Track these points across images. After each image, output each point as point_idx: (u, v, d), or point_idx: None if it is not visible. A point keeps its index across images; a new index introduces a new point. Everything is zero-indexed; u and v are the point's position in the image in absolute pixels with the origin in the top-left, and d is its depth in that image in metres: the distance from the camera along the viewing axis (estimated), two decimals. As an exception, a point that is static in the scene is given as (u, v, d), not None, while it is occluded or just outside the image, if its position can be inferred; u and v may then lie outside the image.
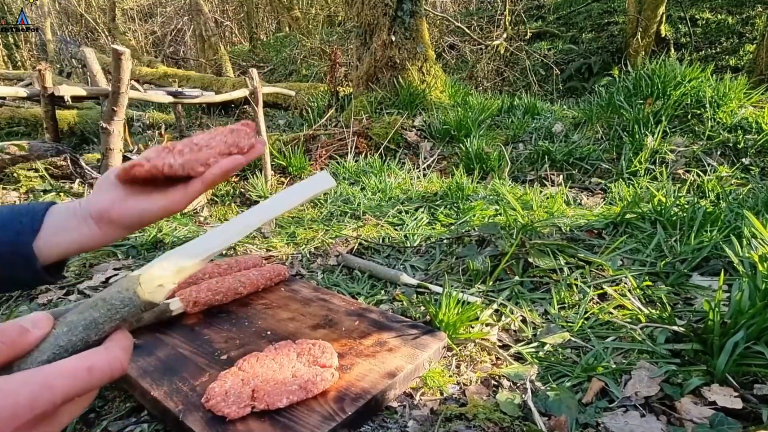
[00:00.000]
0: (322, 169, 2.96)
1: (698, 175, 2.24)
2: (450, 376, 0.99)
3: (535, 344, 1.09)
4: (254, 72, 2.82)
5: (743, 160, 2.32)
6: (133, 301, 0.41)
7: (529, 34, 7.28)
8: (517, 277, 1.38)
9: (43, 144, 2.72)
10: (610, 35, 7.31)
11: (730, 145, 2.42)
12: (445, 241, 1.71)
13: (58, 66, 9.29)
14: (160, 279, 0.42)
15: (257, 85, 2.80)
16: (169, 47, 11.79)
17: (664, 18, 6.53)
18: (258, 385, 0.82)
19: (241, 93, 3.30)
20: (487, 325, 1.19)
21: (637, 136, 2.55)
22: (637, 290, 1.25)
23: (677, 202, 1.68)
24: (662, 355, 0.98)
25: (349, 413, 0.80)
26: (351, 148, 3.12)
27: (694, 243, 1.41)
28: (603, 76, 6.07)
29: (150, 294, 0.41)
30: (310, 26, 10.20)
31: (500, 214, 1.93)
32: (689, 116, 2.64)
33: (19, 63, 11.57)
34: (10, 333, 0.36)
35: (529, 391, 0.91)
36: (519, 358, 1.06)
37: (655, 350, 0.99)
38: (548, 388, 0.92)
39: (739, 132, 2.45)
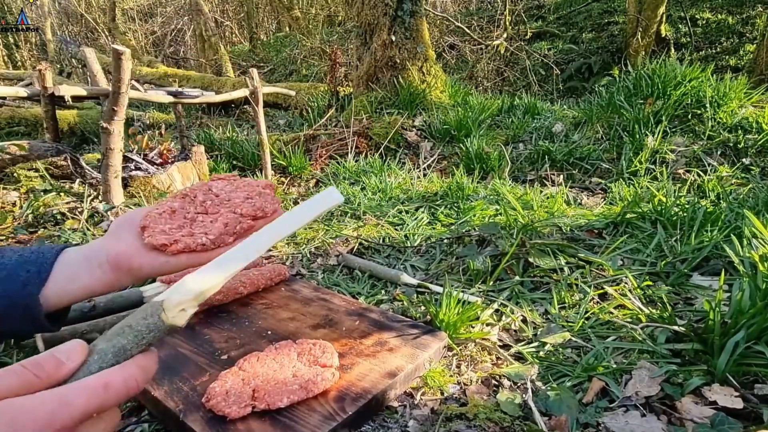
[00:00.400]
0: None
1: (698, 175, 2.24)
2: (450, 376, 0.99)
3: (536, 344, 1.09)
4: (254, 72, 2.82)
5: (743, 159, 2.32)
6: (158, 327, 0.43)
7: (529, 34, 7.28)
8: (517, 277, 1.38)
9: (43, 144, 2.72)
10: (611, 35, 7.31)
11: (731, 145, 2.42)
12: (445, 240, 1.71)
13: (59, 66, 9.29)
14: (182, 304, 0.44)
15: (257, 85, 2.80)
16: (169, 47, 11.79)
17: (664, 18, 6.53)
18: (258, 385, 0.82)
19: (241, 93, 3.30)
20: (487, 324, 1.19)
21: (638, 136, 2.55)
22: (638, 290, 1.25)
23: (677, 202, 1.68)
24: (663, 355, 0.98)
25: (350, 413, 0.80)
26: (351, 148, 3.12)
27: (695, 243, 1.41)
28: (603, 76, 6.07)
29: (173, 318, 0.44)
30: (310, 26, 10.20)
31: (500, 213, 1.92)
32: (689, 116, 2.64)
33: (20, 63, 11.57)
34: (47, 367, 0.37)
35: (529, 390, 0.91)
36: (519, 357, 1.06)
37: (655, 350, 0.99)
38: (549, 388, 0.92)
39: (740, 132, 2.45)
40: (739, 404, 0.82)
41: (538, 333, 1.14)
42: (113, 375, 0.38)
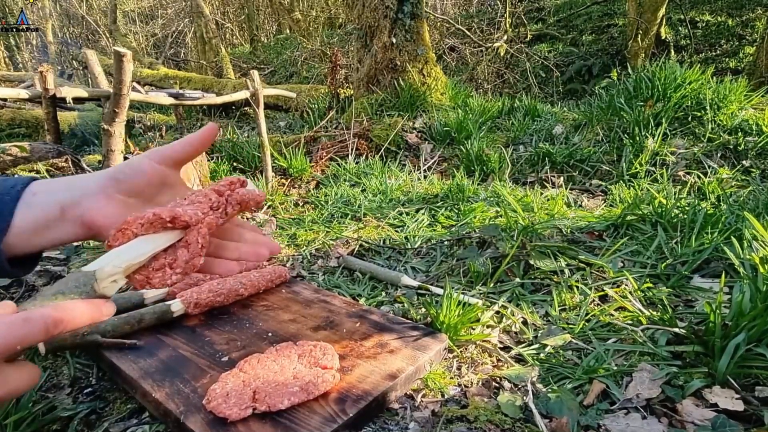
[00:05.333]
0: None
1: (699, 177, 2.24)
2: (451, 378, 0.99)
3: (536, 346, 1.09)
4: (255, 74, 2.82)
5: (744, 162, 2.32)
6: (90, 296, 0.44)
7: (529, 36, 7.28)
8: (517, 279, 1.38)
9: (44, 145, 2.72)
10: (610, 37, 7.32)
11: (731, 147, 2.42)
12: (445, 242, 1.71)
13: (59, 68, 9.30)
14: (113, 276, 0.45)
15: (258, 86, 2.80)
16: (170, 49, 11.81)
17: (664, 20, 6.54)
18: (259, 387, 0.82)
19: (242, 95, 3.30)
20: (488, 326, 1.19)
21: (638, 138, 2.55)
22: (638, 292, 1.25)
23: (678, 204, 1.68)
24: (663, 357, 0.98)
25: (351, 415, 0.80)
26: (352, 149, 3.12)
27: (695, 245, 1.41)
28: (603, 78, 6.08)
29: (104, 289, 0.45)
30: (310, 28, 10.22)
31: (501, 215, 1.93)
32: (689, 118, 2.64)
33: (21, 65, 11.59)
34: None
35: (530, 392, 0.91)
36: (520, 359, 1.06)
37: (656, 352, 0.99)
38: (549, 390, 0.92)
39: (740, 134, 2.45)
40: (739, 406, 0.82)
41: (539, 335, 1.14)
42: (32, 312, 0.39)
